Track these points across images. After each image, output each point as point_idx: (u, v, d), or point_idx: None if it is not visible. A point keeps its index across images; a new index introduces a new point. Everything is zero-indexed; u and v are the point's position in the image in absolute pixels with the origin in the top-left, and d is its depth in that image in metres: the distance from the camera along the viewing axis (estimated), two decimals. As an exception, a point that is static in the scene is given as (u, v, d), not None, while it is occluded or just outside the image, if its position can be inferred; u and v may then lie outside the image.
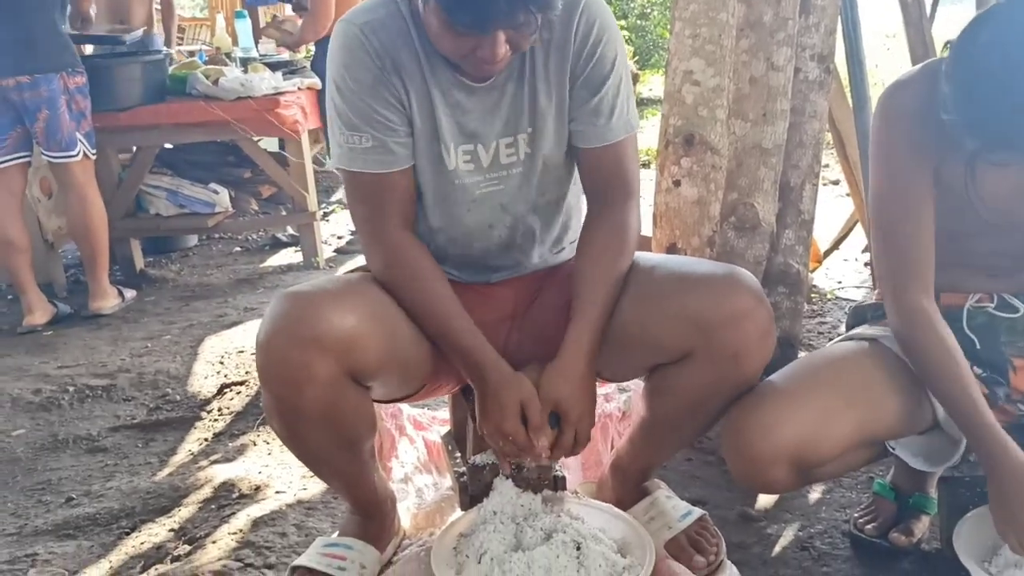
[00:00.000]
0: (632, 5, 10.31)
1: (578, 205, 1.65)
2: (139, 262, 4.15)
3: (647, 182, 2.31)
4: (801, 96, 2.39)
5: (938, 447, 1.51)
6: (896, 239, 1.47)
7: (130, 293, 3.75)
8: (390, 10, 1.42)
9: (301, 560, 1.55)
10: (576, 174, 1.58)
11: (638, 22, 10.12)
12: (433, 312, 1.44)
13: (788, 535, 1.74)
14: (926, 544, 1.67)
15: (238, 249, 4.59)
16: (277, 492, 2.00)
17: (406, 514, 1.77)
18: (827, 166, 5.35)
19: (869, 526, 1.69)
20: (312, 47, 4.74)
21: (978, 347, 1.49)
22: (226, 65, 4.07)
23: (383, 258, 1.47)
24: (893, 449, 1.51)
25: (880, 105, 1.49)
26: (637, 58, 9.51)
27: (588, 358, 1.42)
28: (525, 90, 1.45)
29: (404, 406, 2.01)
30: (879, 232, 1.51)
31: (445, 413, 2.05)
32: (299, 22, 4.49)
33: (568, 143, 1.51)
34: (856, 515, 1.74)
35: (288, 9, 5.54)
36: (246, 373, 2.77)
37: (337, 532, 1.64)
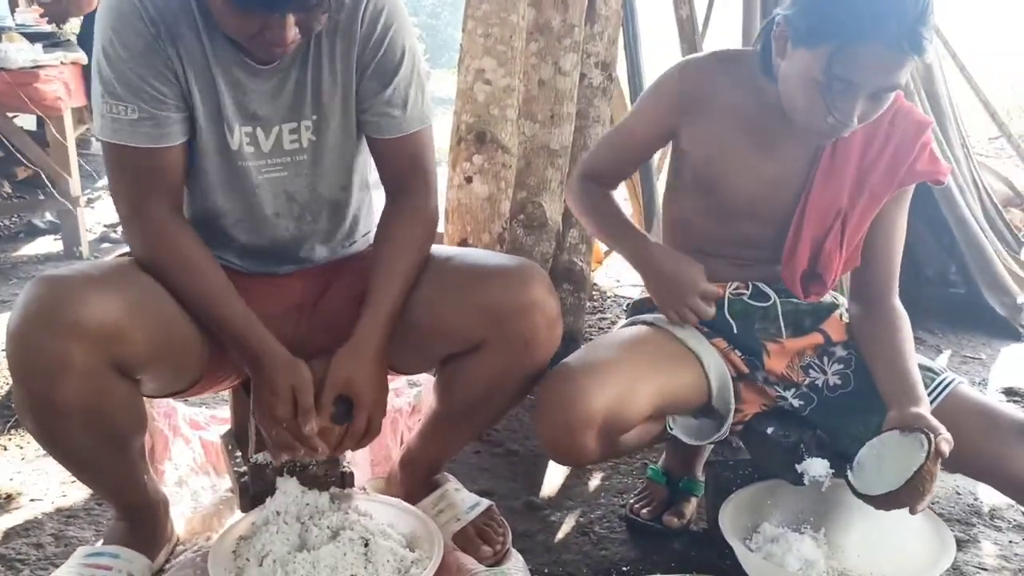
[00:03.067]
0: (423, 3, 10.34)
1: (369, 198, 1.62)
2: None
3: (439, 178, 2.32)
4: (586, 101, 2.50)
5: (707, 424, 1.61)
6: (602, 145, 1.76)
7: None
8: None
9: (60, 572, 1.43)
10: (366, 165, 1.56)
11: (429, 21, 10.17)
12: (203, 296, 1.37)
13: (570, 521, 1.80)
14: (695, 524, 1.78)
15: (-13, 236, 4.15)
16: (32, 500, 1.81)
17: (180, 519, 1.67)
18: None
19: (644, 510, 1.79)
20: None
21: (736, 332, 1.61)
22: (-25, 33, 3.67)
23: (147, 239, 1.37)
24: (671, 429, 1.59)
25: (668, 70, 1.63)
26: (428, 56, 9.55)
27: (382, 342, 1.40)
28: (309, 76, 1.40)
29: (179, 405, 1.90)
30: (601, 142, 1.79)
31: (224, 412, 1.95)
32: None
33: (357, 133, 1.48)
34: (632, 500, 1.83)
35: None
36: (-6, 372, 2.50)
37: (102, 540, 1.51)
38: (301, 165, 1.46)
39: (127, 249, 1.43)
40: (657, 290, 1.60)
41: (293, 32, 1.25)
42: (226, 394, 1.79)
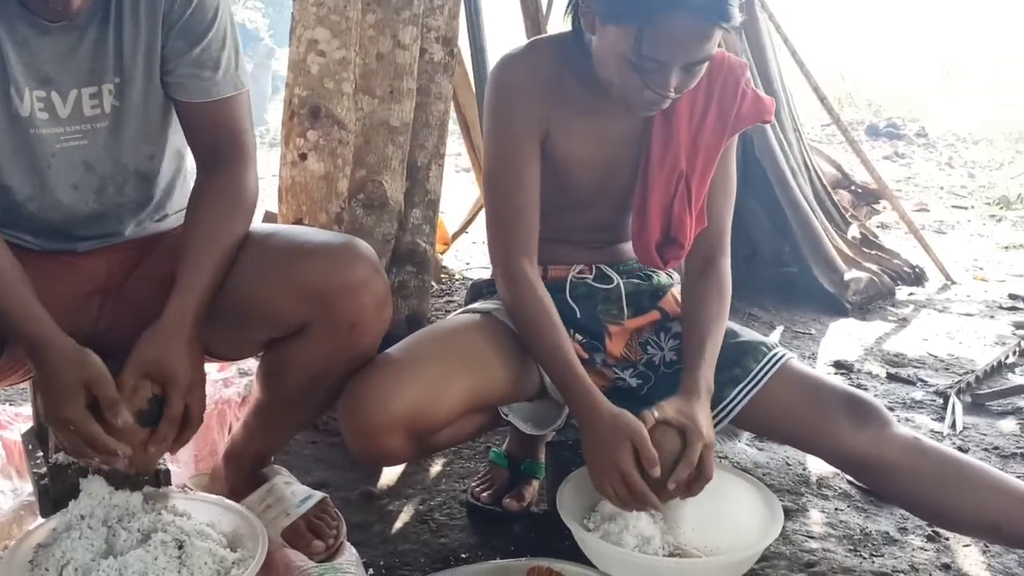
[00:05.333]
0: (269, -21, 9.98)
1: (185, 169, 1.50)
2: None
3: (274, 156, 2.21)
4: (427, 77, 2.42)
5: (545, 412, 1.59)
6: (506, 209, 1.52)
7: None
8: None
9: None
10: (181, 133, 1.44)
11: (275, -3, 9.83)
12: None
13: (409, 510, 1.75)
14: (535, 507, 1.76)
15: None
16: None
17: (-26, 528, 1.51)
18: (459, 155, 5.57)
19: (484, 494, 1.75)
20: None
21: (579, 316, 1.59)
22: None
23: None
24: (507, 415, 1.56)
25: (490, 80, 1.55)
26: (272, 33, 9.22)
27: (194, 322, 1.29)
28: (110, 35, 1.28)
29: (-23, 402, 1.72)
30: (491, 203, 1.57)
31: (29, 409, 1.78)
32: None
33: (165, 97, 1.37)
34: (473, 484, 1.79)
35: None
36: None
37: None
38: (103, 132, 1.33)
39: None
40: (594, 457, 1.40)
41: None
42: (27, 386, 1.63)
